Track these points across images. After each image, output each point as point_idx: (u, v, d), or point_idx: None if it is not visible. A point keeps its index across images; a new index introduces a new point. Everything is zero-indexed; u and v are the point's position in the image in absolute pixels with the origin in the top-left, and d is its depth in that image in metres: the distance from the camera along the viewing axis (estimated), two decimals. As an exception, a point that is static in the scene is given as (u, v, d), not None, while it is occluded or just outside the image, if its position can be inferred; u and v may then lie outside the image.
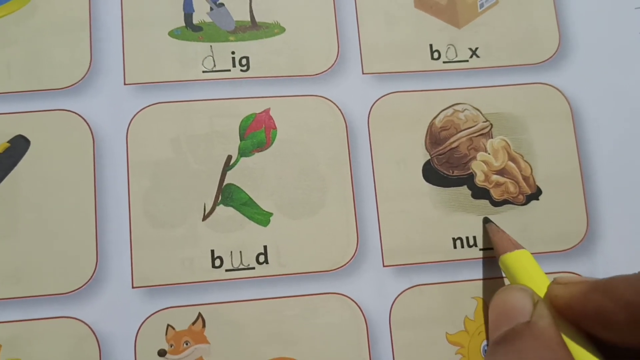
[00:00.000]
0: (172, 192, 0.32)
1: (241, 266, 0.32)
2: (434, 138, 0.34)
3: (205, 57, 0.34)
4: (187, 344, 0.30)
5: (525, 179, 0.34)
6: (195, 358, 0.30)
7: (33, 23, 0.33)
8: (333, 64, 0.34)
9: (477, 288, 0.33)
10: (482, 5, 0.36)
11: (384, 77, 0.34)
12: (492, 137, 0.34)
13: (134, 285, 0.31)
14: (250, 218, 0.32)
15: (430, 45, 0.35)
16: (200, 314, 0.31)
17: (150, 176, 0.32)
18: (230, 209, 0.32)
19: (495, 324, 0.25)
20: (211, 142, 0.33)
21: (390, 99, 0.34)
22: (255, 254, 0.32)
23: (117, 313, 0.30)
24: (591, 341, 0.24)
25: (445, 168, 0.34)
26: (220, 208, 0.32)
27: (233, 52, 0.34)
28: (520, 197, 0.34)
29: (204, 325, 0.31)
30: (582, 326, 0.24)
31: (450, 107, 0.35)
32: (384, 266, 0.32)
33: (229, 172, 0.33)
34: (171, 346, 0.30)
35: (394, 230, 0.33)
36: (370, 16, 0.35)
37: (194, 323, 0.31)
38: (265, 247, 0.32)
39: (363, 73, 0.34)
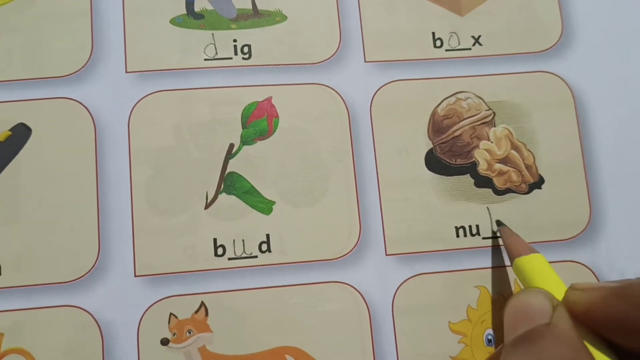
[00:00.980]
0: (174, 180, 0.32)
1: (244, 254, 0.32)
2: (437, 126, 0.34)
3: (207, 45, 0.33)
4: (189, 333, 0.30)
5: (527, 167, 0.34)
6: (198, 346, 0.30)
7: (34, 11, 0.33)
8: (335, 52, 0.34)
9: (480, 277, 0.32)
10: (484, -7, 0.36)
11: (386, 65, 0.34)
12: (494, 126, 0.34)
13: (137, 274, 0.31)
14: (253, 206, 0.32)
15: (433, 33, 0.35)
16: (203, 303, 0.31)
17: (152, 164, 0.32)
18: (233, 197, 0.32)
19: (513, 325, 0.24)
20: (213, 130, 0.33)
21: (393, 87, 0.34)
22: (258, 243, 0.32)
23: (119, 301, 0.30)
24: (610, 348, 0.23)
25: (448, 156, 0.34)
26: (223, 196, 0.32)
27: (235, 40, 0.34)
28: (523, 186, 0.34)
29: (206, 314, 0.31)
30: (602, 333, 0.23)
31: (452, 95, 0.34)
32: (386, 255, 0.32)
33: (231, 161, 0.32)
34: (174, 335, 0.30)
35: (396, 219, 0.33)
36: (372, 4, 0.35)
37: (196, 311, 0.31)
38: (267, 235, 0.32)
39: (365, 61, 0.34)
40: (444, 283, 0.32)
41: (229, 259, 0.31)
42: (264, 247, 0.32)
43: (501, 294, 0.32)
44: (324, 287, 0.32)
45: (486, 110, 0.34)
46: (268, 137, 0.33)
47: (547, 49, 0.35)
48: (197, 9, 0.34)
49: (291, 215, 0.32)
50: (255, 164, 0.32)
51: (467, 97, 0.34)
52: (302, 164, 0.33)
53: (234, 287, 0.31)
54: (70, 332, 0.30)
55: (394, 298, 0.32)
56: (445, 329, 0.32)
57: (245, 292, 0.31)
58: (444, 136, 0.34)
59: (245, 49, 0.34)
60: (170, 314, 0.31)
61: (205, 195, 0.32)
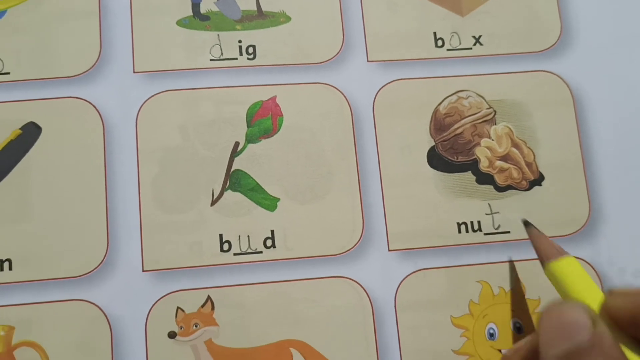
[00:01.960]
0: (180, 178, 0.33)
1: (249, 250, 0.32)
2: (439, 124, 0.35)
3: (213, 46, 0.34)
4: (196, 326, 0.31)
5: (528, 165, 0.35)
6: (205, 340, 0.31)
7: (43, 11, 0.34)
8: (338, 52, 0.35)
9: (482, 272, 0.33)
10: (485, -6, 0.36)
11: (388, 65, 0.35)
12: (495, 124, 0.35)
13: (144, 269, 0.31)
14: (258, 203, 0.33)
15: (434, 33, 0.36)
16: (209, 297, 0.31)
17: (159, 162, 0.32)
18: (238, 194, 0.33)
19: (551, 340, 0.24)
20: (219, 129, 0.33)
21: (395, 86, 0.35)
22: (263, 238, 0.32)
23: (127, 296, 0.31)
24: None
25: (450, 154, 0.34)
26: (229, 193, 0.33)
27: (240, 41, 0.34)
28: (524, 182, 0.34)
29: (212, 308, 0.31)
30: None
31: (454, 94, 0.35)
32: (389, 250, 0.33)
33: (236, 159, 0.33)
34: (181, 328, 0.31)
35: (398, 215, 0.33)
36: (375, 5, 0.35)
37: (203, 305, 0.31)
38: (272, 231, 0.32)
39: (368, 61, 0.35)
40: (446, 278, 0.33)
41: (235, 254, 0.32)
42: (269, 242, 0.32)
43: (503, 288, 0.33)
44: (328, 282, 0.32)
45: (487, 108, 0.35)
46: (272, 136, 0.34)
47: (547, 49, 0.36)
48: (203, 10, 0.35)
49: (295, 212, 0.33)
50: (260, 161, 0.33)
51: (468, 96, 0.35)
52: (306, 161, 0.33)
53: (239, 282, 0.32)
54: (79, 326, 0.30)
55: (396, 293, 0.32)
56: (447, 323, 0.32)
57: (251, 286, 0.32)
58: (445, 134, 0.34)
59: (250, 50, 0.34)
60: (178, 307, 0.31)
61: (211, 193, 0.33)
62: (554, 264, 0.29)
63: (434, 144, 0.34)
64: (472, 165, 0.34)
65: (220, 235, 0.32)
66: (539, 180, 0.35)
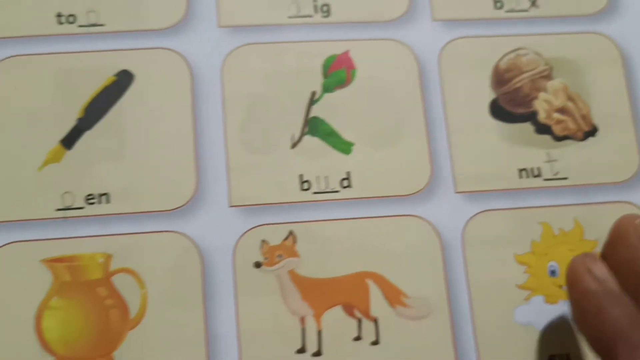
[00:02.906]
0: (263, 123, 0.35)
1: (327, 189, 0.34)
2: (499, 79, 0.37)
3: (290, 4, 0.37)
4: (280, 257, 0.33)
5: (583, 117, 0.37)
6: (288, 270, 0.33)
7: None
8: (406, 10, 0.37)
9: (543, 214, 0.35)
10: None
11: (452, 24, 0.38)
12: (552, 79, 0.37)
13: (231, 204, 0.34)
14: (334, 147, 0.35)
15: (495, -5, 0.38)
16: (291, 231, 0.34)
17: (244, 108, 0.35)
18: (316, 139, 0.35)
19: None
20: (298, 79, 0.36)
21: (458, 43, 0.37)
22: (339, 179, 0.35)
23: (216, 229, 0.33)
24: None
25: (510, 106, 0.37)
26: (307, 138, 0.35)
27: (315, 0, 0.37)
28: (579, 133, 0.37)
29: (294, 241, 0.33)
30: None
31: (513, 51, 0.38)
32: (455, 192, 0.35)
33: (313, 106, 0.36)
34: (265, 259, 0.33)
35: (464, 160, 0.35)
36: (439, -31, 0.38)
37: (285, 239, 0.33)
38: (348, 172, 0.35)
39: (432, 20, 0.37)
40: (509, 219, 0.35)
41: (314, 193, 0.34)
42: (345, 183, 0.35)
43: (562, 229, 0.35)
44: (400, 220, 0.34)
45: (544, 65, 0.37)
46: (346, 86, 0.36)
47: (597, 12, 0.39)
48: (280, -29, 0.37)
49: (369, 156, 0.35)
50: (336, 109, 0.36)
51: (526, 54, 0.38)
52: (378, 110, 0.36)
53: (319, 218, 0.34)
54: (173, 255, 0.33)
55: (464, 230, 0.35)
56: (511, 260, 0.35)
57: (330, 222, 0.34)
58: (506, 87, 0.37)
59: (325, 8, 0.37)
60: (262, 240, 0.33)
61: (291, 137, 0.35)
62: None
63: (495, 96, 0.37)
64: (531, 117, 0.37)
65: (300, 175, 0.35)
66: (592, 131, 0.37)
